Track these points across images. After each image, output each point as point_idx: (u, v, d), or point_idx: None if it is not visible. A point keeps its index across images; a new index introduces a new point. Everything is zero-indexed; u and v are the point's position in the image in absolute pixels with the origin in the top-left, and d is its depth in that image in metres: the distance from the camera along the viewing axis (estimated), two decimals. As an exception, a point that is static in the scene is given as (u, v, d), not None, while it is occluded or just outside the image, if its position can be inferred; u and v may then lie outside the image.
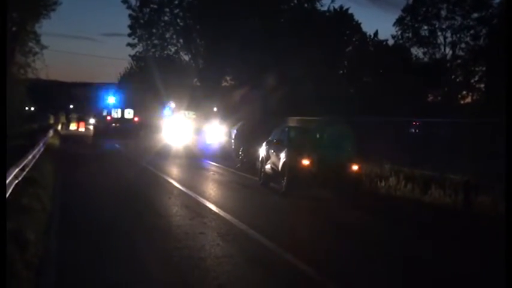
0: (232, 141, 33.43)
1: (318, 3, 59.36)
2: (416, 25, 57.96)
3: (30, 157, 20.87)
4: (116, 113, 60.47)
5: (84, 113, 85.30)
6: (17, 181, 15.15)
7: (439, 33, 57.34)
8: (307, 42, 51.74)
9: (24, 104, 68.67)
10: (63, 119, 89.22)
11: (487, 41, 53.47)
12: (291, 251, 11.02)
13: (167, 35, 68.60)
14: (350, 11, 60.48)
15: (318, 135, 22.26)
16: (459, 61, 57.12)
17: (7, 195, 12.72)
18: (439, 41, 57.47)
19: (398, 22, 58.34)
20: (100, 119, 62.39)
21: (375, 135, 26.46)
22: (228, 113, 42.49)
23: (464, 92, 58.48)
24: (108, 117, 60.12)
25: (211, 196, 18.88)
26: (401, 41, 58.34)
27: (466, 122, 23.45)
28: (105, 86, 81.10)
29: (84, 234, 12.22)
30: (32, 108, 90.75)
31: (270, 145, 22.17)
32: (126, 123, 59.41)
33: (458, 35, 56.39)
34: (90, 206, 16.17)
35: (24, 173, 17.47)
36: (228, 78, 65.47)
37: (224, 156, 33.93)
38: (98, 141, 51.93)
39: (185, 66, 68.21)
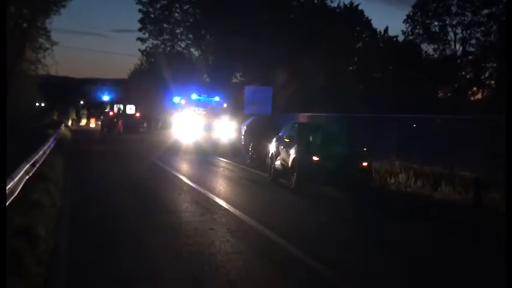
0: (242, 137, 33.41)
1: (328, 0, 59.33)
2: (426, 21, 57.83)
3: (40, 153, 20.93)
4: (118, 109, 62.80)
5: (95, 108, 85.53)
6: (27, 177, 15.19)
7: (450, 30, 57.25)
8: (317, 39, 51.66)
9: (35, 100, 69.02)
10: (73, 115, 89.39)
11: (497, 37, 53.24)
12: (301, 247, 11.00)
13: (177, 31, 68.70)
14: (360, 7, 60.57)
15: (327, 132, 22.21)
16: (469, 57, 56.98)
17: (17, 191, 12.76)
18: (449, 37, 57.36)
19: (409, 18, 58.23)
20: (104, 114, 65.04)
21: (384, 132, 26.40)
22: (237, 109, 42.45)
23: (475, 89, 58.31)
24: (111, 113, 62.60)
25: (221, 192, 18.87)
26: (411, 37, 58.25)
27: (475, 118, 23.37)
28: (111, 82, 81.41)
29: (94, 229, 12.23)
30: (43, 104, 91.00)
31: (279, 141, 22.15)
32: (128, 118, 61.72)
33: (468, 31, 56.24)
34: (99, 201, 16.19)
35: (35, 168, 17.50)
36: (237, 74, 65.48)
37: (234, 152, 33.91)
38: (105, 137, 52.19)
39: (195, 62, 68.26)
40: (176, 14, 67.70)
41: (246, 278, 9.06)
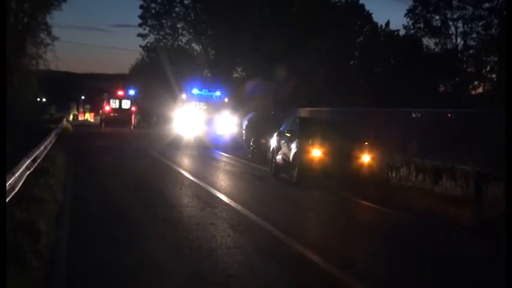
0: (244, 131, 33.40)
1: (329, -7, 59.24)
2: (427, 15, 57.70)
3: (42, 148, 20.93)
4: (114, 104, 65.18)
5: (94, 104, 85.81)
6: (28, 172, 15.19)
7: (451, 23, 57.11)
8: (318, 33, 51.61)
9: (36, 95, 69.13)
10: (74, 110, 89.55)
11: (498, 30, 53.14)
12: (302, 241, 11.00)
13: (178, 26, 68.58)
14: (361, 1, 60.33)
15: (329, 126, 22.19)
16: (471, 51, 56.86)
17: (19, 187, 12.76)
18: (450, 31, 57.24)
19: (410, 12, 58.10)
20: (102, 109, 67.79)
21: (385, 126, 26.37)
22: (239, 104, 42.43)
23: (476, 82, 58.24)
24: (107, 108, 65.07)
25: (222, 187, 18.88)
26: (412, 32, 58.09)
27: (476, 112, 23.34)
28: (112, 77, 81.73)
29: (95, 224, 12.23)
30: (44, 100, 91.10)
31: (281, 136, 22.15)
32: (123, 113, 64.34)
33: (469, 25, 56.12)
34: (100, 196, 16.20)
35: (36, 163, 17.50)
36: (238, 69, 65.42)
37: (235, 147, 33.92)
38: (105, 132, 52.36)
39: (196, 57, 68.20)
40: (177, 9, 67.59)
41: (246, 272, 9.06)
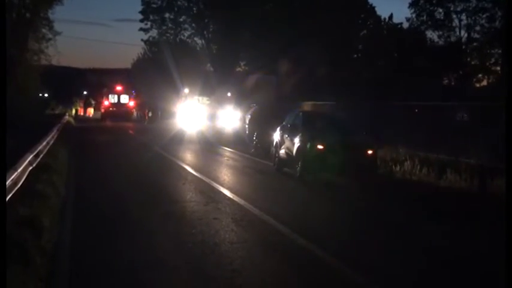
0: (246, 126, 33.39)
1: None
2: (431, 8, 57.49)
3: (44, 143, 20.95)
4: (113, 99, 66.93)
5: (96, 99, 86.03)
6: (31, 167, 15.21)
7: (454, 16, 56.87)
8: (321, 26, 51.52)
9: (38, 90, 69.41)
10: (76, 105, 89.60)
11: (502, 22, 52.96)
12: (306, 236, 11.00)
13: (180, 20, 68.56)
14: (364, -6, 60.12)
15: (331, 120, 22.16)
16: (475, 44, 56.67)
17: (21, 182, 12.77)
18: (454, 24, 57.03)
19: (413, 5, 57.87)
20: (102, 104, 69.58)
21: (389, 120, 26.36)
22: (242, 98, 42.44)
23: (480, 75, 58.08)
24: (106, 103, 66.86)
25: (226, 181, 18.87)
26: (416, 24, 57.91)
27: (480, 105, 23.29)
28: (113, 72, 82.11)
29: (98, 220, 12.26)
30: (46, 95, 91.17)
31: (284, 130, 22.14)
32: (122, 107, 66.42)
33: (473, 18, 55.90)
34: (103, 191, 16.22)
35: (39, 159, 17.53)
36: (241, 63, 65.38)
37: (238, 142, 33.89)
38: (107, 127, 52.44)
39: (199, 52, 68.24)
40: (179, 3, 67.58)
41: (250, 267, 9.06)
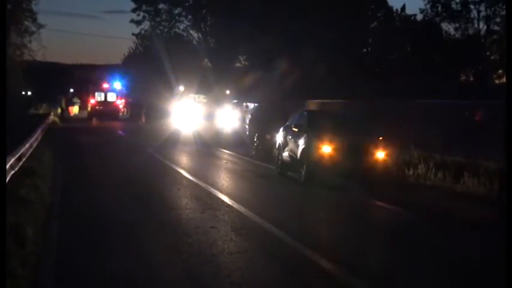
0: (247, 126, 33.43)
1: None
2: (446, -2, 57.46)
3: (27, 145, 20.95)
4: (100, 97, 68.51)
5: (82, 97, 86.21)
6: (13, 171, 15.21)
7: (472, 7, 56.80)
8: (327, 18, 51.50)
9: (21, 88, 69.35)
10: (62, 103, 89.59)
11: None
12: (311, 246, 10.99)
13: (175, 11, 68.51)
14: (374, -16, 60.13)
15: (339, 120, 22.15)
16: (494, 37, 56.58)
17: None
18: (472, 15, 56.96)
19: (427, -6, 57.84)
20: (88, 102, 70.89)
21: (402, 119, 26.36)
22: (242, 96, 42.46)
23: (500, 71, 58.01)
24: (93, 101, 68.41)
25: (224, 187, 18.89)
26: (430, 16, 57.87)
27: (500, 104, 23.28)
28: (103, 68, 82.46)
29: (86, 229, 12.25)
30: (29, 93, 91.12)
31: (287, 130, 22.13)
32: (108, 105, 67.97)
33: (492, 8, 55.82)
34: (92, 197, 16.22)
35: (21, 162, 17.53)
36: (241, 58, 65.35)
37: (237, 143, 33.88)
38: (94, 127, 52.58)
39: (195, 46, 68.26)
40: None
41: (250, 279, 9.07)
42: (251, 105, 39.00)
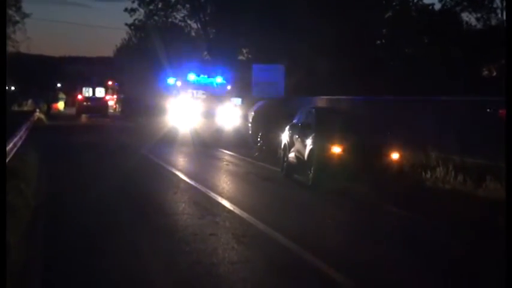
0: (250, 125, 33.41)
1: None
2: (467, -15, 57.43)
3: (10, 145, 20.97)
4: (87, 92, 69.73)
5: (69, 92, 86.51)
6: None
7: (495, -5, 56.80)
8: (339, 8, 51.46)
9: (4, 83, 69.43)
10: (49, 99, 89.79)
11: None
12: (319, 255, 11.00)
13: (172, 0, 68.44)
14: (389, -30, 60.11)
15: (350, 118, 22.14)
16: (520, 28, 56.53)
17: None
18: (495, 4, 56.93)
19: (446, -18, 57.81)
20: (75, 98, 72.43)
21: (419, 117, 26.32)
22: (244, 92, 42.41)
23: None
24: (80, 96, 69.57)
25: (225, 191, 18.91)
26: (450, 5, 57.83)
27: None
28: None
29: (75, 236, 12.25)
30: (13, 88, 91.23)
31: (294, 129, 22.13)
32: (96, 101, 69.35)
33: (518, -3, 55.76)
34: (81, 202, 16.21)
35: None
36: (244, 50, 65.28)
37: (239, 143, 33.90)
38: (82, 123, 52.65)
39: (193, 37, 68.23)
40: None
41: (253, 292, 9.08)
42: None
